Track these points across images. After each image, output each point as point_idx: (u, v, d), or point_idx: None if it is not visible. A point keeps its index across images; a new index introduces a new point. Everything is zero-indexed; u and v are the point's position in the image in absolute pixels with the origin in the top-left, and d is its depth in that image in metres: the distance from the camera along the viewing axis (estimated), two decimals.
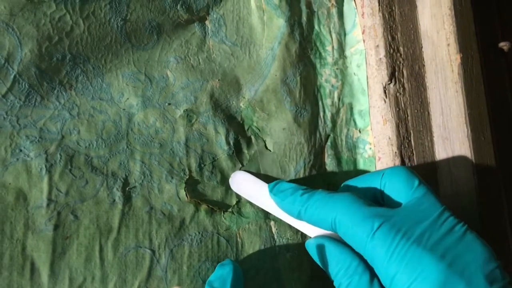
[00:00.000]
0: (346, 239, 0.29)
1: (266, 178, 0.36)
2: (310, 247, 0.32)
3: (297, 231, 0.36)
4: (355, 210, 0.29)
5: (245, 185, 0.35)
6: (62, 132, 0.31)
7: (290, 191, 0.32)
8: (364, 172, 0.40)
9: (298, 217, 0.31)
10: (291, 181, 0.36)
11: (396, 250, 0.26)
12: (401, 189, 0.30)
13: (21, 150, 0.29)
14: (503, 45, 0.44)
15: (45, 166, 0.30)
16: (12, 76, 0.29)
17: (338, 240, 0.31)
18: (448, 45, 0.39)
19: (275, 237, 0.36)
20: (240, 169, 0.36)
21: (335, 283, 0.30)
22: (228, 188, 0.35)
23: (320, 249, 0.31)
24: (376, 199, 0.32)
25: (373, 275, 0.28)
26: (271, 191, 0.33)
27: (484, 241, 0.27)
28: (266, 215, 0.35)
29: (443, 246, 0.26)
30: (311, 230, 0.33)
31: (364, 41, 0.40)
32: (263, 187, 0.34)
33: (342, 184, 0.34)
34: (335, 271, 0.30)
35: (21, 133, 0.30)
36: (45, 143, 0.30)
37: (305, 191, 0.32)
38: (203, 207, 0.34)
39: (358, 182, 0.33)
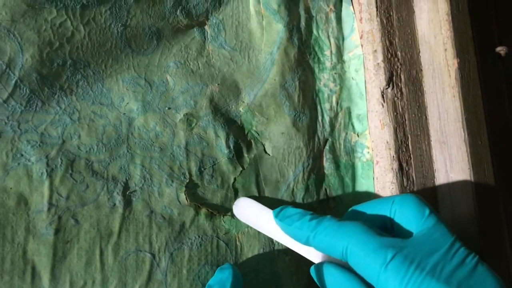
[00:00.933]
0: (358, 269, 0.29)
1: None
2: (315, 273, 0.32)
3: None
4: (367, 239, 0.28)
5: (249, 211, 0.34)
6: (63, 137, 0.31)
7: (297, 216, 0.32)
8: (362, 176, 0.40)
9: (306, 242, 0.31)
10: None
11: (410, 282, 0.26)
12: (411, 218, 0.30)
13: (22, 155, 0.30)
14: (500, 49, 0.44)
15: (46, 171, 0.30)
16: (13, 82, 0.30)
17: (344, 267, 0.30)
18: (446, 50, 0.39)
19: (274, 240, 0.36)
20: (240, 173, 0.36)
21: None
22: (227, 192, 0.35)
23: (326, 274, 0.30)
24: (385, 226, 0.32)
25: None
26: (276, 216, 0.33)
27: (494, 273, 0.27)
28: None
29: (456, 278, 0.26)
30: (317, 257, 0.32)
31: (362, 46, 0.41)
32: (267, 213, 0.34)
33: (350, 209, 0.34)
34: None
35: (22, 138, 0.30)
36: (46, 147, 0.30)
37: (313, 216, 0.31)
38: (203, 210, 0.34)
39: (366, 208, 0.33)
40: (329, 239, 0.30)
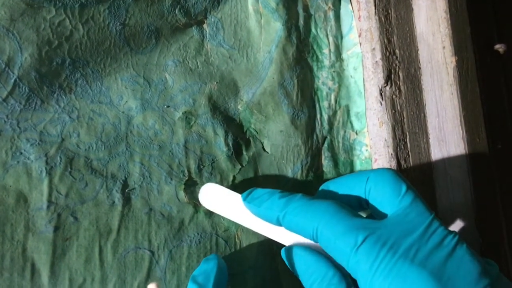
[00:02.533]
0: (328, 252, 0.28)
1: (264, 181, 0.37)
2: (285, 255, 0.31)
3: None
4: (338, 221, 0.27)
5: (215, 198, 0.33)
6: (62, 135, 0.31)
7: (266, 196, 0.30)
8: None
9: (277, 223, 0.30)
10: None
11: (381, 266, 0.25)
12: (387, 196, 0.28)
13: (21, 153, 0.30)
14: (499, 47, 0.44)
15: (45, 169, 0.30)
16: (12, 80, 0.30)
17: (314, 249, 0.29)
18: (444, 47, 0.39)
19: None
20: (239, 171, 0.36)
21: None
22: None
23: (295, 257, 0.30)
24: (360, 203, 0.30)
25: (349, 286, 0.27)
26: (244, 199, 0.31)
27: (475, 255, 0.26)
28: None
29: (432, 261, 0.24)
30: (288, 240, 0.31)
31: (360, 44, 0.41)
32: (235, 198, 0.33)
33: (324, 184, 0.32)
34: (310, 280, 0.28)
35: (21, 136, 0.30)
36: (45, 146, 0.31)
37: (282, 194, 0.30)
38: (202, 208, 0.34)
39: (340, 184, 0.31)
40: (299, 219, 0.28)
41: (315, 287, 0.28)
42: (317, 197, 0.30)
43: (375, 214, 0.29)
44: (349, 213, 0.28)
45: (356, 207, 0.30)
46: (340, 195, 0.31)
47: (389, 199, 0.28)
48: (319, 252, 0.29)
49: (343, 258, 0.26)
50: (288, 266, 0.31)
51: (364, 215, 0.29)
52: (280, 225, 0.30)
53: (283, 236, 0.32)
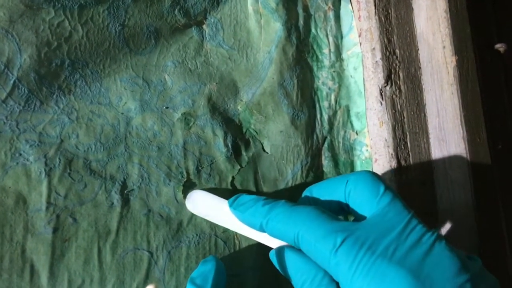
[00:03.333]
0: (310, 255, 0.28)
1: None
2: (274, 257, 0.31)
3: None
4: (318, 225, 0.27)
5: (203, 204, 0.33)
6: (61, 136, 0.31)
7: (251, 203, 0.31)
8: None
9: (260, 229, 0.30)
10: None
11: (360, 266, 0.25)
12: (366, 197, 0.29)
13: (20, 154, 0.30)
14: (499, 46, 0.44)
15: (45, 170, 0.30)
16: (11, 82, 0.30)
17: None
18: (444, 47, 0.39)
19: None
20: (238, 171, 0.36)
21: None
22: (226, 190, 0.35)
23: (285, 258, 0.30)
24: (341, 207, 0.31)
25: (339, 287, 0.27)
26: (231, 205, 0.32)
27: (454, 251, 0.26)
28: None
29: (410, 259, 0.25)
30: (275, 244, 0.32)
31: (360, 44, 0.41)
32: (222, 204, 0.33)
33: (306, 189, 0.33)
34: (300, 282, 0.28)
35: (20, 138, 0.30)
36: (44, 147, 0.31)
37: (266, 201, 0.30)
38: None
39: (322, 188, 0.32)
40: (281, 225, 0.29)
41: (305, 287, 0.28)
42: (299, 203, 0.31)
43: (356, 216, 0.29)
44: (328, 217, 0.28)
45: (337, 210, 0.30)
46: (321, 200, 0.31)
47: (368, 200, 0.28)
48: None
49: (324, 260, 0.27)
50: (278, 268, 0.31)
51: (344, 218, 0.29)
52: (263, 231, 0.30)
53: (270, 239, 0.32)
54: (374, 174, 0.30)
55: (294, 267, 0.29)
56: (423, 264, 0.24)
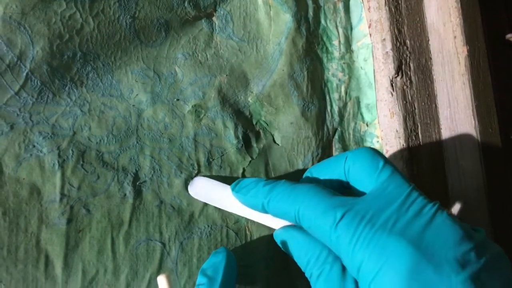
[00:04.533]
0: (311, 232, 0.28)
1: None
2: (278, 238, 0.31)
3: None
4: (318, 201, 0.27)
5: (206, 189, 0.34)
6: (73, 128, 0.31)
7: (252, 185, 0.31)
8: None
9: (262, 210, 0.30)
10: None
11: (360, 239, 0.25)
12: (365, 173, 0.28)
13: (34, 146, 0.30)
14: (510, 36, 0.44)
15: (58, 162, 0.30)
16: (24, 74, 0.30)
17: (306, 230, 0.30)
18: (455, 37, 0.39)
19: None
20: (249, 163, 0.36)
21: (306, 274, 0.29)
22: None
23: (289, 239, 0.30)
24: (342, 185, 0.30)
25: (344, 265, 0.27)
26: (233, 189, 0.32)
27: (456, 221, 0.25)
28: None
29: (411, 230, 0.24)
30: (279, 225, 0.32)
31: (370, 35, 0.41)
32: (224, 188, 0.33)
33: (308, 170, 0.33)
34: (305, 261, 0.29)
35: (34, 129, 0.30)
36: (57, 139, 0.31)
37: (267, 182, 0.31)
38: None
39: (322, 167, 0.32)
40: (282, 204, 0.29)
41: (310, 266, 0.28)
42: (302, 181, 0.31)
43: (356, 193, 0.29)
44: (328, 193, 0.28)
45: (338, 188, 0.30)
46: (322, 179, 0.31)
47: (368, 175, 0.28)
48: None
49: (325, 236, 0.27)
50: (282, 248, 0.31)
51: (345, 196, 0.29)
52: (265, 211, 0.30)
53: (274, 221, 0.32)
54: (372, 149, 0.30)
55: (298, 247, 0.29)
56: (424, 234, 0.24)
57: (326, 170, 0.31)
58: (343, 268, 0.27)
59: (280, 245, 0.31)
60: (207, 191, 0.34)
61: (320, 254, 0.28)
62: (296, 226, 0.30)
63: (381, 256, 0.24)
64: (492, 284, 0.23)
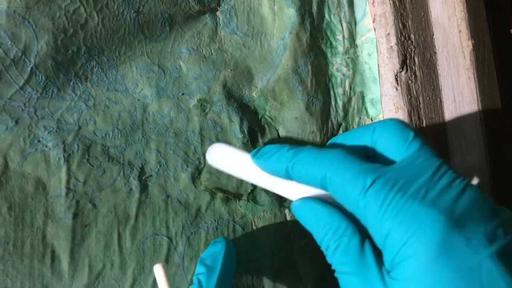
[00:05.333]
0: (338, 198, 0.27)
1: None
2: (296, 209, 0.30)
3: None
4: (347, 166, 0.26)
5: (223, 156, 0.32)
6: (79, 123, 0.31)
7: (274, 150, 0.30)
8: None
9: (286, 175, 0.29)
10: None
11: (390, 206, 0.24)
12: (394, 144, 0.27)
13: (39, 141, 0.30)
14: None
15: (63, 156, 0.30)
16: (29, 68, 0.30)
17: (326, 201, 0.29)
18: (460, 31, 0.39)
19: (290, 224, 0.36)
20: None
21: (322, 246, 0.28)
22: None
23: (307, 210, 0.29)
24: (367, 155, 0.29)
25: (363, 238, 0.26)
26: (253, 156, 0.30)
27: (486, 196, 0.25)
28: (281, 203, 0.36)
29: (441, 201, 0.24)
30: (297, 195, 0.30)
31: (374, 29, 0.40)
32: (244, 156, 0.31)
33: (329, 141, 0.32)
34: (322, 233, 0.28)
35: (39, 124, 0.30)
36: (62, 133, 0.31)
37: (291, 147, 0.29)
38: (219, 195, 0.34)
39: (347, 137, 0.31)
40: (308, 167, 0.28)
41: (328, 239, 0.27)
42: (326, 148, 0.30)
43: (383, 162, 0.28)
44: (357, 159, 0.27)
45: (362, 157, 0.29)
46: (347, 146, 0.30)
47: (396, 146, 0.27)
48: (331, 204, 0.28)
49: (352, 202, 0.26)
50: (299, 220, 0.30)
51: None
52: (289, 177, 0.29)
53: (292, 191, 0.31)
54: (402, 121, 0.29)
55: (317, 218, 0.28)
56: (455, 205, 0.24)
57: (352, 139, 0.30)
58: (362, 241, 0.26)
59: (296, 216, 0.30)
60: (225, 158, 0.32)
61: (339, 226, 0.27)
62: (315, 198, 0.29)
63: (411, 225, 0.23)
64: None
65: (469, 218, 0.23)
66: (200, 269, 0.29)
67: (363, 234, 0.27)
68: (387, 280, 0.24)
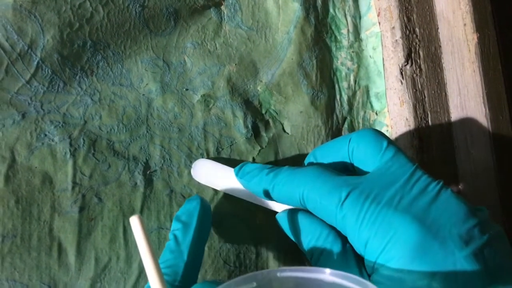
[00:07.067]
0: (317, 214, 0.28)
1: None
2: (280, 220, 0.31)
3: None
4: (322, 182, 0.27)
5: (208, 172, 0.34)
6: (84, 117, 0.31)
7: (256, 171, 0.31)
8: None
9: (266, 196, 0.31)
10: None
11: (366, 216, 0.25)
12: (369, 153, 0.28)
13: (46, 135, 0.30)
14: None
15: (69, 150, 0.30)
16: (35, 63, 0.30)
17: (308, 212, 0.30)
18: (465, 25, 0.39)
19: None
20: (258, 152, 0.36)
21: (307, 255, 0.29)
22: None
23: (290, 220, 0.30)
24: (346, 166, 0.30)
25: (345, 243, 0.28)
26: (237, 174, 0.32)
27: (461, 199, 0.26)
28: None
29: (415, 207, 0.25)
30: (280, 208, 0.32)
31: (379, 23, 0.40)
32: (227, 172, 0.33)
33: (311, 152, 0.33)
34: (306, 241, 0.29)
35: (45, 118, 0.30)
36: (68, 128, 0.31)
37: (271, 169, 0.31)
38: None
39: (326, 149, 0.32)
40: (286, 188, 0.29)
41: (311, 246, 0.28)
42: (303, 166, 0.31)
43: (360, 171, 0.29)
44: (332, 174, 0.28)
45: (342, 170, 0.30)
46: (325, 158, 0.31)
47: (371, 156, 0.28)
48: (312, 215, 0.29)
49: (331, 216, 0.27)
50: (284, 230, 0.31)
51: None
52: (270, 198, 0.31)
53: (276, 204, 0.32)
54: (376, 130, 0.30)
55: (299, 228, 0.29)
56: (429, 211, 0.25)
57: (330, 153, 0.31)
58: (344, 248, 0.27)
59: (281, 226, 0.31)
60: (210, 175, 0.33)
61: (320, 235, 0.28)
62: (297, 209, 0.30)
63: (387, 232, 0.24)
64: (494, 260, 0.24)
65: (444, 221, 0.24)
66: (176, 225, 0.30)
67: (344, 240, 0.28)
68: None
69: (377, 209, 0.25)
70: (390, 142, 0.29)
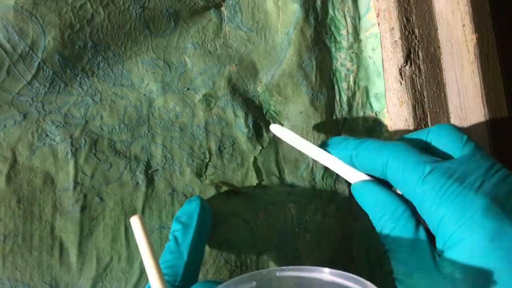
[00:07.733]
0: (396, 184, 0.29)
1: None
2: (356, 190, 0.31)
3: (316, 212, 0.36)
4: (408, 155, 0.28)
5: (289, 133, 0.34)
6: (85, 118, 0.32)
7: (341, 140, 0.32)
8: None
9: (350, 161, 0.31)
10: None
11: (447, 193, 0.26)
12: (449, 145, 0.29)
13: (47, 135, 0.30)
14: None
15: (71, 150, 0.31)
16: (36, 64, 0.30)
17: (385, 186, 0.30)
18: (464, 25, 0.39)
19: (295, 218, 0.36)
20: (260, 152, 0.36)
21: (377, 227, 0.29)
22: (248, 171, 0.35)
23: (366, 192, 0.30)
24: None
25: (418, 223, 0.28)
26: (321, 145, 0.33)
27: None
28: (286, 197, 0.36)
29: (496, 193, 0.25)
30: (357, 178, 0.32)
31: (378, 24, 0.40)
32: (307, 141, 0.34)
33: None
34: (379, 215, 0.29)
35: (46, 119, 0.30)
36: (70, 128, 0.31)
37: (356, 138, 0.32)
38: (224, 189, 0.34)
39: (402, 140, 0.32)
40: (371, 155, 0.30)
41: (385, 220, 0.29)
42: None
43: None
44: (417, 150, 0.29)
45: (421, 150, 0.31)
46: (407, 139, 0.32)
47: (451, 148, 0.29)
48: (389, 189, 0.30)
49: (410, 188, 0.27)
50: (357, 200, 0.31)
51: None
52: (352, 163, 0.31)
53: (354, 174, 0.32)
54: (454, 125, 0.30)
55: (375, 200, 0.30)
56: (508, 198, 0.25)
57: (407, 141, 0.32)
58: (417, 226, 0.28)
59: (355, 196, 0.31)
60: (291, 134, 0.34)
61: (396, 210, 0.28)
62: (374, 181, 0.31)
63: (465, 212, 0.25)
64: None
65: None
66: (176, 226, 0.30)
67: (418, 220, 0.28)
68: (438, 261, 0.26)
69: (459, 188, 0.25)
70: (469, 137, 0.29)
